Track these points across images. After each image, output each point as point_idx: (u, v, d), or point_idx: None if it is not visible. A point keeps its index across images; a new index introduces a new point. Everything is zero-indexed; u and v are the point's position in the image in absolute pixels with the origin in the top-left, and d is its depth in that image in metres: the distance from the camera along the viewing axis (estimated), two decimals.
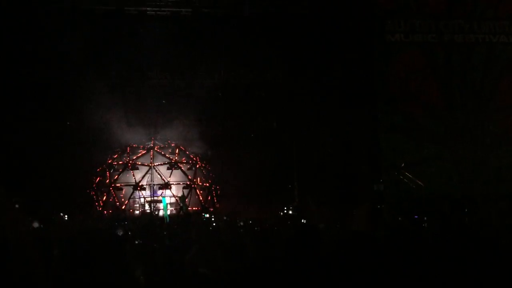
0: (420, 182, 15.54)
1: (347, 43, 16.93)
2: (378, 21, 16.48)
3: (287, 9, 17.66)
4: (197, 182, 20.66)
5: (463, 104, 16.16)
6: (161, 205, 19.85)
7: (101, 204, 19.44)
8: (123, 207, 19.27)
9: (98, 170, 20.15)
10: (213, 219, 15.27)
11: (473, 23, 16.52)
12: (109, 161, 20.36)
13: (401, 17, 16.41)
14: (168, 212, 18.59)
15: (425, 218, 11.81)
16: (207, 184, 20.88)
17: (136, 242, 7.14)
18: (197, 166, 20.99)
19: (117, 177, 20.10)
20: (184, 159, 21.01)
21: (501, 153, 15.34)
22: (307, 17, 17.55)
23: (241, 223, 11.59)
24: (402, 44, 16.39)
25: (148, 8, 17.79)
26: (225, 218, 14.29)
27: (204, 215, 16.35)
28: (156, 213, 18.53)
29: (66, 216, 13.20)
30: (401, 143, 15.82)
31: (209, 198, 20.62)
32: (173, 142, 21.09)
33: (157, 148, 20.92)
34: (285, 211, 16.91)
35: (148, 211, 19.21)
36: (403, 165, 15.78)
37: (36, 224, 10.54)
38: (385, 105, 16.13)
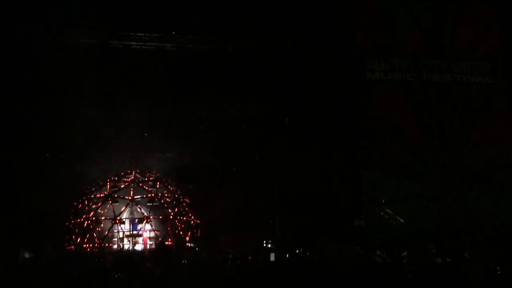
0: (400, 218, 15.62)
1: (328, 80, 17.23)
2: (359, 60, 16.89)
3: (270, 47, 18.01)
4: (178, 216, 20.33)
5: (442, 141, 16.43)
6: (140, 239, 19.54)
7: (79, 238, 18.97)
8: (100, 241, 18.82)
9: (74, 203, 19.73)
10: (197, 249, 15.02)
11: (451, 63, 17.02)
12: (88, 194, 19.99)
13: (381, 56, 16.85)
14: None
15: (404, 253, 11.81)
16: (188, 219, 20.56)
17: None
18: (180, 200, 20.69)
19: (96, 210, 19.69)
20: (165, 193, 20.73)
21: (478, 190, 15.51)
22: (290, 54, 17.89)
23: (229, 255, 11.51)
24: (381, 82, 16.76)
25: (132, 43, 18.01)
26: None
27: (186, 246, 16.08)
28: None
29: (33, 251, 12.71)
30: (381, 179, 15.94)
31: (189, 232, 20.27)
32: (153, 176, 20.85)
33: (138, 181, 20.62)
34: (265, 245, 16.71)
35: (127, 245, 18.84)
36: (383, 201, 15.87)
37: (27, 255, 10.66)
38: (365, 141, 16.32)
